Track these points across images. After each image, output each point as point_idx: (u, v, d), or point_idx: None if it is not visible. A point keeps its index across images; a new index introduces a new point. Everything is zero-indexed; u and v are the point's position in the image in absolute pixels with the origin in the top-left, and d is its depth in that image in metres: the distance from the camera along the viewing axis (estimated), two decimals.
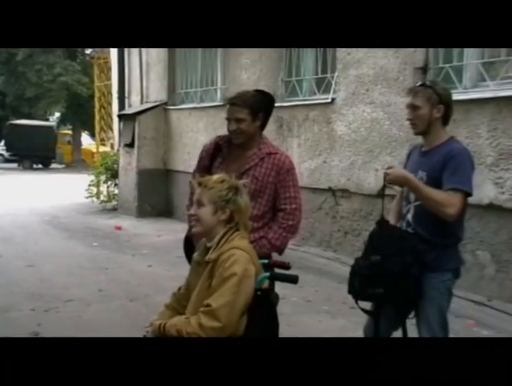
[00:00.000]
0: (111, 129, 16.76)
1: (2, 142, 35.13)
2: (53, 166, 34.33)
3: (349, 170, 8.28)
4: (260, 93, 3.91)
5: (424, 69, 7.18)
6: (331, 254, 8.51)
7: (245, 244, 2.91)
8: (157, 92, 13.15)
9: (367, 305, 3.57)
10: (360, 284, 3.39)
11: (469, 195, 3.32)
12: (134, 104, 13.94)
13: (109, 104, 16.54)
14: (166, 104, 12.80)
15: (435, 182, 3.33)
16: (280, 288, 3.20)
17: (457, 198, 3.26)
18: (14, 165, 32.72)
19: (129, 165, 12.88)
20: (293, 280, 3.05)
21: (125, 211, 12.71)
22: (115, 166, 13.81)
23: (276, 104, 9.69)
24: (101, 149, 17.61)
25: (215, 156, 3.88)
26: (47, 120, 41.26)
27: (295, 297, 6.29)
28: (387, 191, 7.90)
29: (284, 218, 3.72)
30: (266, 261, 3.22)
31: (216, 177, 3.01)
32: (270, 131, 9.69)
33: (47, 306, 6.08)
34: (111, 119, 16.43)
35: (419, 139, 6.80)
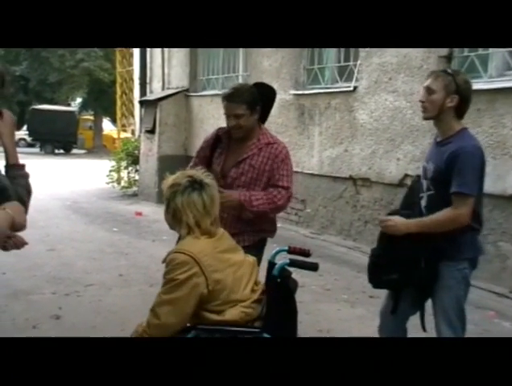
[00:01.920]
0: (132, 115, 16.81)
1: (25, 127, 35.42)
2: (74, 151, 34.53)
3: (371, 159, 8.25)
4: (258, 86, 3.94)
5: (449, 58, 7.11)
6: (351, 243, 8.50)
7: (194, 246, 2.84)
8: (178, 79, 13.17)
9: None
10: (375, 272, 3.49)
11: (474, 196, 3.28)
12: (156, 91, 13.98)
13: (131, 90, 16.59)
14: (187, 90, 12.82)
15: (440, 175, 3.33)
16: (299, 276, 3.22)
17: (461, 204, 3.24)
18: (36, 149, 32.97)
19: (150, 151, 12.94)
20: (313, 267, 3.06)
21: (146, 197, 12.79)
22: (136, 152, 13.88)
23: (298, 92, 9.79)
24: (122, 135, 17.69)
25: (215, 147, 3.93)
26: (69, 105, 41.51)
27: (315, 286, 6.31)
28: (409, 181, 7.83)
29: (273, 194, 3.72)
30: (285, 248, 3.23)
31: (173, 176, 2.98)
32: (291, 119, 9.72)
33: (68, 290, 6.15)
34: (132, 105, 16.48)
35: None
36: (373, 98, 8.17)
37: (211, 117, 11.74)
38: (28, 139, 34.96)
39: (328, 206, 8.98)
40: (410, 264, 3.31)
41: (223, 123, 4.02)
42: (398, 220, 3.37)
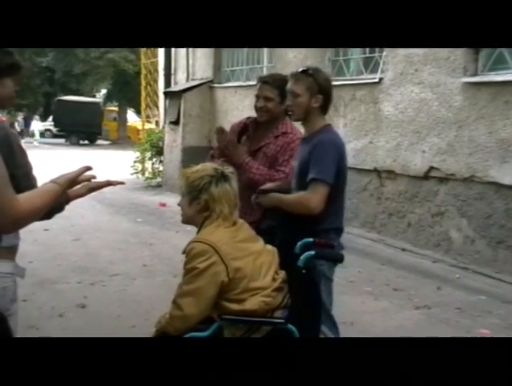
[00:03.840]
0: (157, 107, 16.88)
1: (51, 118, 35.79)
2: (99, 142, 34.80)
3: (395, 151, 8.20)
4: None
5: (476, 49, 7.03)
6: (375, 235, 8.47)
7: (213, 235, 2.85)
8: (203, 70, 13.18)
9: None
10: None
11: (330, 184, 3.29)
12: (180, 82, 14.01)
13: (155, 81, 16.65)
14: (212, 81, 12.83)
15: (303, 171, 3.35)
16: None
17: (316, 190, 3.26)
18: (62, 140, 33.28)
19: (174, 142, 12.99)
20: (338, 258, 3.05)
21: (170, 188, 12.84)
22: (160, 143, 13.95)
23: None
24: (147, 126, 17.77)
25: (242, 134, 3.97)
26: (94, 96, 41.82)
27: (338, 278, 6.22)
28: (434, 174, 7.81)
29: (274, 173, 3.70)
30: (310, 240, 3.23)
31: (196, 166, 2.99)
32: None
33: (93, 280, 6.22)
34: (157, 96, 16.55)
35: (466, 121, 6.71)
36: (398, 90, 8.11)
37: (235, 109, 11.74)
38: (54, 130, 35.33)
39: (352, 198, 8.94)
40: (266, 237, 3.30)
41: (247, 115, 4.04)
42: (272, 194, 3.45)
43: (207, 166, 2.98)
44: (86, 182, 2.59)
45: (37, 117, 32.20)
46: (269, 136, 3.81)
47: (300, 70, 3.47)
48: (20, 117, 31.87)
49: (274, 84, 3.76)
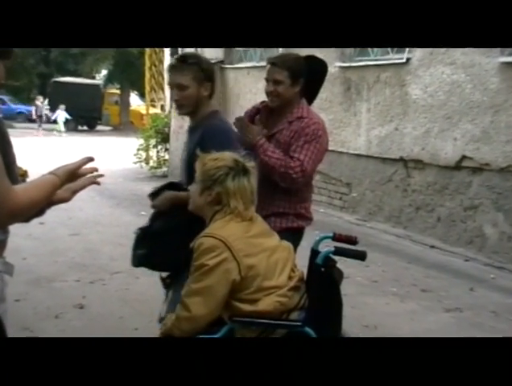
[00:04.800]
0: (162, 89, 16.89)
1: (46, 101, 35.88)
2: (99, 127, 34.88)
3: (424, 139, 8.17)
4: (308, 59, 3.92)
5: None
6: (400, 231, 8.46)
7: (224, 229, 2.86)
8: (213, 50, 13.18)
9: None
10: (133, 247, 3.57)
11: None
12: None
13: (161, 61, 16.65)
14: (222, 62, 12.82)
15: (191, 159, 3.32)
16: (344, 266, 3.21)
17: None
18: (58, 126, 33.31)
19: (181, 128, 12.98)
20: (360, 256, 3.05)
21: (176, 178, 12.83)
22: (166, 129, 13.96)
23: (344, 65, 9.72)
24: (151, 110, 17.79)
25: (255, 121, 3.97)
26: (94, 78, 41.85)
27: (360, 277, 6.30)
28: (466, 163, 7.78)
29: (290, 161, 3.66)
30: (330, 235, 3.23)
31: (216, 154, 2.99)
32: (336, 94, 9.66)
33: (93, 278, 6.25)
34: (162, 78, 16.55)
35: (503, 105, 6.66)
36: (427, 71, 8.07)
37: (248, 92, 11.73)
38: (49, 114, 35.38)
39: (376, 190, 8.94)
40: (156, 239, 3.35)
41: (261, 98, 4.04)
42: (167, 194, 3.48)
43: (227, 156, 2.97)
44: (69, 185, 2.58)
45: (62, 106, 31.87)
46: (283, 121, 3.80)
47: (179, 59, 3.50)
48: (39, 101, 31.75)
49: (284, 65, 3.74)
